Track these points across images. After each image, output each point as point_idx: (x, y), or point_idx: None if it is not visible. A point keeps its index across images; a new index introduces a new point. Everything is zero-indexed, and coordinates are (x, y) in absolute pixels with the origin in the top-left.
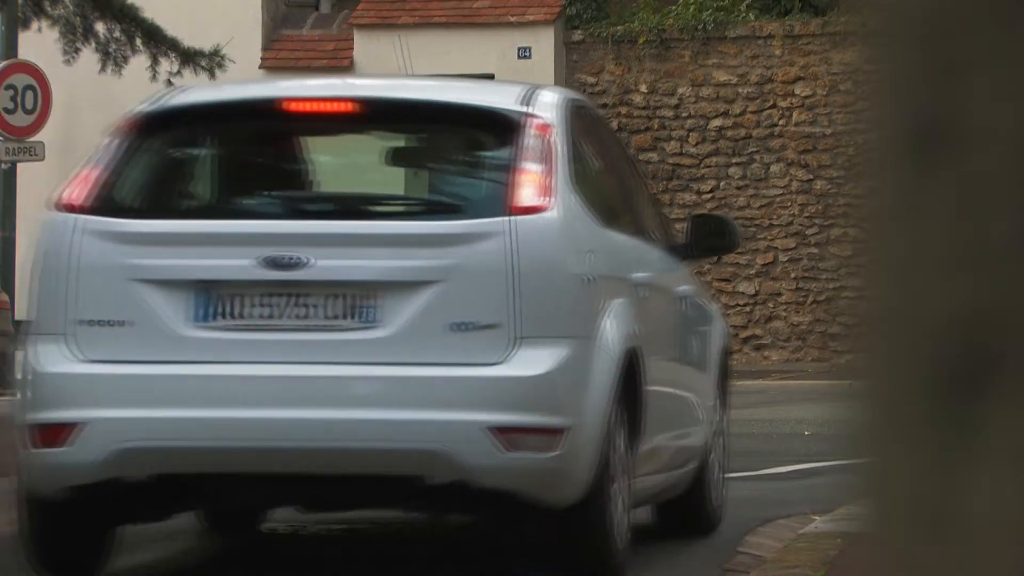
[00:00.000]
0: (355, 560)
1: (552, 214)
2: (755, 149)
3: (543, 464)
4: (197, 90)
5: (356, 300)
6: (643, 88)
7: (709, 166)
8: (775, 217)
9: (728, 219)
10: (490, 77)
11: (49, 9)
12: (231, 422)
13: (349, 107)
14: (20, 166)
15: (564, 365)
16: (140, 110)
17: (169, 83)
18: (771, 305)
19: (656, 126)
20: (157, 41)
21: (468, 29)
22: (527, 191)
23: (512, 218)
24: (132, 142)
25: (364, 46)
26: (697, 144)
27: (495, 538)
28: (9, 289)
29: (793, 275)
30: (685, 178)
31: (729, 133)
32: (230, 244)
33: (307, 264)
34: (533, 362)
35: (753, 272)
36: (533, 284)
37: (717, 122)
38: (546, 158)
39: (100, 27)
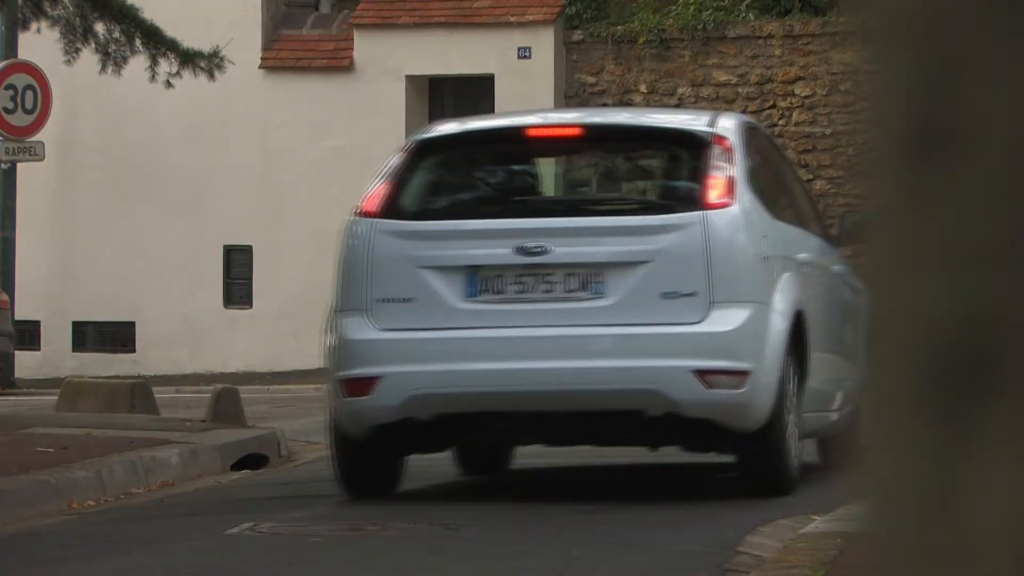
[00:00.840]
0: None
1: (735, 208)
2: None
3: (734, 398)
4: (456, 122)
5: (587, 277)
6: (643, 88)
7: None
8: None
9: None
10: (490, 77)
11: (48, 10)
12: (494, 372)
13: (577, 131)
14: (20, 166)
15: (748, 323)
16: (414, 138)
17: (168, 84)
18: None
19: None
20: (156, 42)
21: (468, 29)
22: (715, 191)
23: (705, 212)
24: (409, 163)
25: (364, 46)
26: None
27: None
28: (9, 289)
29: None
30: None
31: None
32: (491, 238)
33: (550, 251)
34: (725, 321)
35: None
36: (722, 261)
37: None
38: (728, 167)
39: (100, 28)
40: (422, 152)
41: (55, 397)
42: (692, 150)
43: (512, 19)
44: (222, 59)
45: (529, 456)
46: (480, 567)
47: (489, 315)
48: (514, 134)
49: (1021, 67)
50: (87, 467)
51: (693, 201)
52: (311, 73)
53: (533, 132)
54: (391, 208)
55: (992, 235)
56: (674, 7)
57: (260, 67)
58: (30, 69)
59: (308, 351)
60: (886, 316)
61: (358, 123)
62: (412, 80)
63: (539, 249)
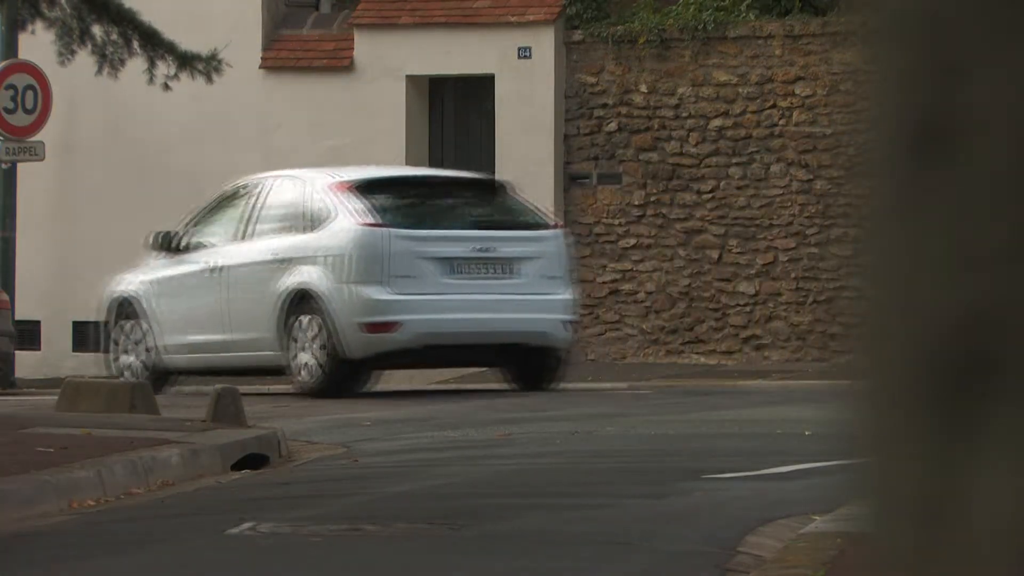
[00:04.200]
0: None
1: (567, 230)
2: (755, 149)
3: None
4: (384, 169)
5: (509, 265)
6: (643, 88)
7: (709, 166)
8: (775, 217)
9: None
10: (490, 77)
11: (46, 11)
12: (464, 320)
13: (460, 182)
14: (20, 166)
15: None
16: (360, 179)
17: (166, 87)
18: (771, 305)
19: (656, 126)
20: (154, 44)
21: (468, 29)
22: (556, 220)
23: (556, 230)
24: (362, 196)
25: (364, 46)
26: (697, 144)
27: None
28: (9, 289)
29: (793, 275)
30: (685, 178)
31: (729, 133)
32: (454, 241)
33: (494, 250)
34: (573, 291)
35: (753, 272)
36: (571, 262)
37: (717, 122)
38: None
39: (97, 30)
40: (366, 189)
41: (55, 397)
42: (505, 194)
43: (512, 19)
44: (220, 62)
45: (527, 455)
46: (480, 567)
47: (459, 288)
48: (421, 180)
49: (1021, 67)
50: (87, 467)
51: (547, 224)
52: (311, 73)
53: (431, 180)
54: (400, 221)
55: (992, 235)
56: (674, 7)
57: (260, 67)
58: (30, 69)
59: None
60: (886, 316)
61: (358, 123)
62: (412, 80)
63: (484, 249)
